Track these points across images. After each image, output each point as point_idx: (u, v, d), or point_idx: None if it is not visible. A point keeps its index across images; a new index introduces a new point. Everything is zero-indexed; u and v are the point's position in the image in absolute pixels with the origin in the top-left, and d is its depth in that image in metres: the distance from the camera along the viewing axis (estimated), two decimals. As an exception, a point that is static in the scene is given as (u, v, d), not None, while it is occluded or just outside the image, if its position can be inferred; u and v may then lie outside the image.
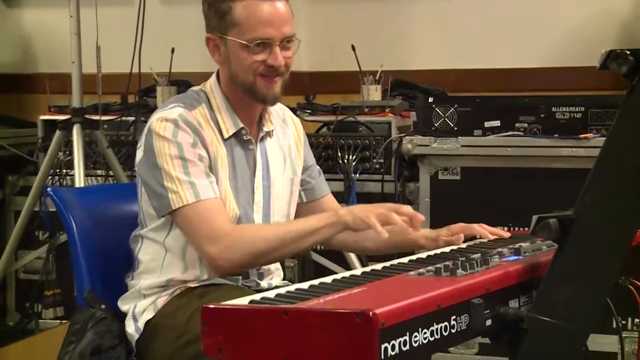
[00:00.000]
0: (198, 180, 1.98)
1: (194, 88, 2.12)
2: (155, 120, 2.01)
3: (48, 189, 2.21)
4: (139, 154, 2.04)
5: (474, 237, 2.09)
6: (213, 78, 2.10)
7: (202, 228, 1.96)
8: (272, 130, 2.15)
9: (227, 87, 2.08)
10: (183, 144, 1.98)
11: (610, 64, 1.56)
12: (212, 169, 2.03)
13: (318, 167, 2.29)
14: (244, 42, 1.99)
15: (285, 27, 2.01)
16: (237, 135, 2.08)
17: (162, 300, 2.05)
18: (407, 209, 1.88)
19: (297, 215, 2.23)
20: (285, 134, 2.20)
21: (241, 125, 2.08)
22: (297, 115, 3.44)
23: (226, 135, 2.06)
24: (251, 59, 2.00)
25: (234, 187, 2.06)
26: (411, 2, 3.97)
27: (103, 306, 2.08)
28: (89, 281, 2.10)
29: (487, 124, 3.17)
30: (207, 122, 2.04)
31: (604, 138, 1.65)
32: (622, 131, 1.58)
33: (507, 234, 2.06)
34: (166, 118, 2.00)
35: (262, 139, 2.13)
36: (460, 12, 3.92)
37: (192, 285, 2.05)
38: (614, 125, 1.60)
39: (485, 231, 2.05)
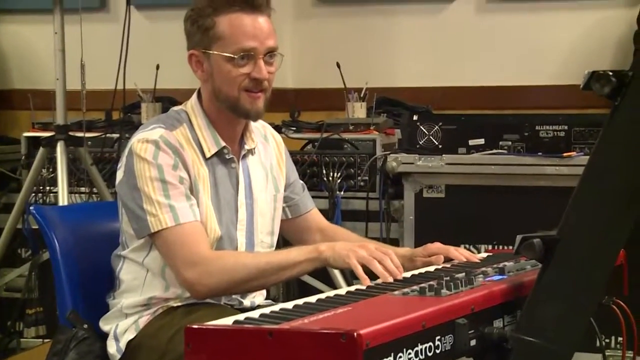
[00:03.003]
0: (178, 204, 1.97)
1: (175, 108, 2.12)
2: (136, 142, 2.01)
3: (31, 207, 2.20)
4: (119, 174, 2.03)
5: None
6: (194, 97, 2.10)
7: (181, 252, 1.95)
8: (254, 148, 2.15)
9: (209, 104, 2.08)
10: (163, 166, 1.98)
11: (593, 85, 1.57)
12: (193, 190, 2.02)
13: (302, 182, 2.29)
14: (228, 55, 2.00)
15: (269, 40, 2.02)
16: (219, 154, 2.07)
17: (144, 320, 2.04)
18: (389, 262, 1.84)
19: (283, 231, 2.22)
20: (267, 151, 2.20)
21: (223, 144, 2.07)
22: (281, 132, 3.47)
23: (208, 155, 2.05)
24: (236, 71, 2.00)
25: (216, 207, 2.05)
26: (396, 19, 3.99)
27: (85, 326, 2.06)
28: (71, 300, 2.09)
29: (471, 142, 3.18)
30: (188, 143, 2.04)
31: (587, 156, 1.67)
32: (605, 152, 1.59)
33: (478, 259, 2.01)
34: (147, 139, 2.00)
35: (244, 156, 2.13)
36: (445, 30, 3.94)
37: (174, 304, 2.04)
38: (596, 145, 1.60)
39: (461, 256, 2.01)
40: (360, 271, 1.83)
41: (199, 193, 2.02)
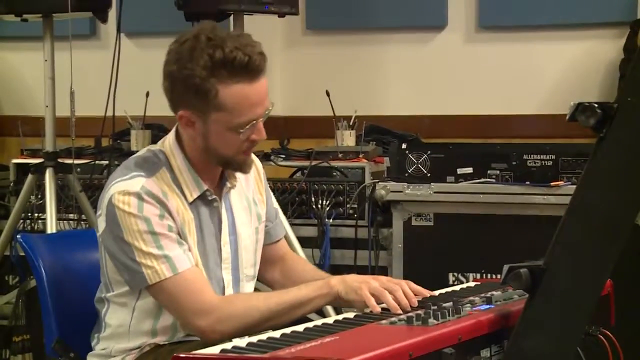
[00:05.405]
0: (172, 252, 1.91)
1: (152, 148, 2.03)
2: (116, 194, 1.92)
3: (18, 236, 2.18)
4: (101, 223, 1.96)
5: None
6: (172, 138, 2.01)
7: (188, 301, 1.91)
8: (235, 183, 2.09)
9: (192, 152, 1.99)
10: (151, 218, 1.91)
11: (578, 117, 1.58)
12: (181, 236, 1.96)
13: (276, 207, 2.23)
14: (234, 126, 1.92)
15: (267, 100, 1.96)
16: (201, 197, 2.01)
17: (131, 357, 2.00)
18: (400, 293, 1.81)
19: None
20: (247, 178, 2.13)
21: (205, 187, 2.00)
22: (271, 160, 3.48)
23: (190, 199, 1.99)
24: (239, 139, 1.94)
25: (202, 252, 2.00)
26: (385, 48, 4.02)
27: (72, 355, 2.05)
28: (57, 329, 2.07)
29: (459, 171, 3.20)
30: (170, 188, 1.96)
31: (574, 186, 1.67)
32: (591, 183, 1.59)
33: (428, 293, 1.94)
34: (128, 191, 1.91)
35: (226, 193, 2.06)
36: (434, 59, 3.97)
37: (161, 342, 2.00)
38: (582, 176, 1.61)
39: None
40: (372, 302, 1.82)
41: (186, 239, 1.97)
